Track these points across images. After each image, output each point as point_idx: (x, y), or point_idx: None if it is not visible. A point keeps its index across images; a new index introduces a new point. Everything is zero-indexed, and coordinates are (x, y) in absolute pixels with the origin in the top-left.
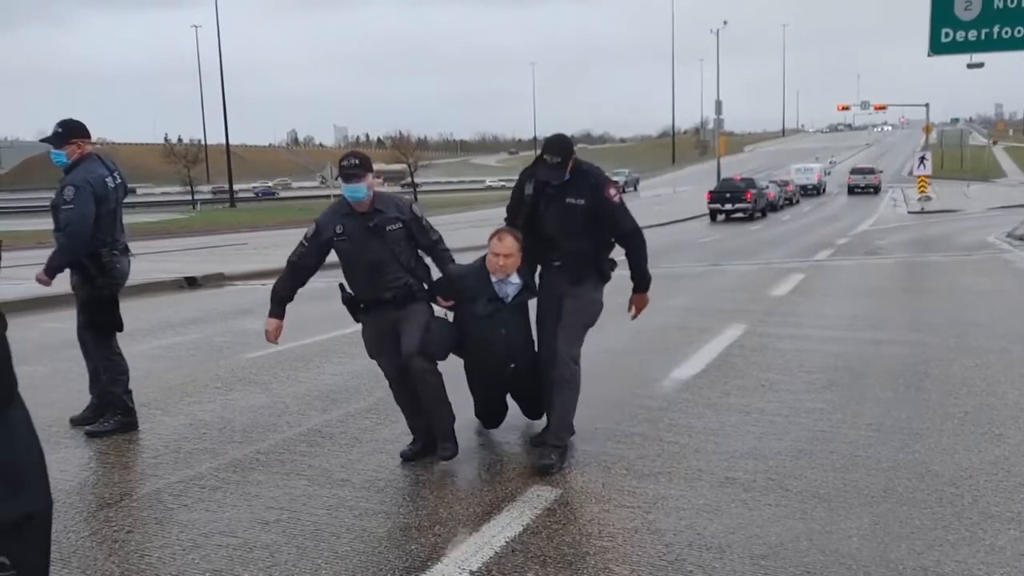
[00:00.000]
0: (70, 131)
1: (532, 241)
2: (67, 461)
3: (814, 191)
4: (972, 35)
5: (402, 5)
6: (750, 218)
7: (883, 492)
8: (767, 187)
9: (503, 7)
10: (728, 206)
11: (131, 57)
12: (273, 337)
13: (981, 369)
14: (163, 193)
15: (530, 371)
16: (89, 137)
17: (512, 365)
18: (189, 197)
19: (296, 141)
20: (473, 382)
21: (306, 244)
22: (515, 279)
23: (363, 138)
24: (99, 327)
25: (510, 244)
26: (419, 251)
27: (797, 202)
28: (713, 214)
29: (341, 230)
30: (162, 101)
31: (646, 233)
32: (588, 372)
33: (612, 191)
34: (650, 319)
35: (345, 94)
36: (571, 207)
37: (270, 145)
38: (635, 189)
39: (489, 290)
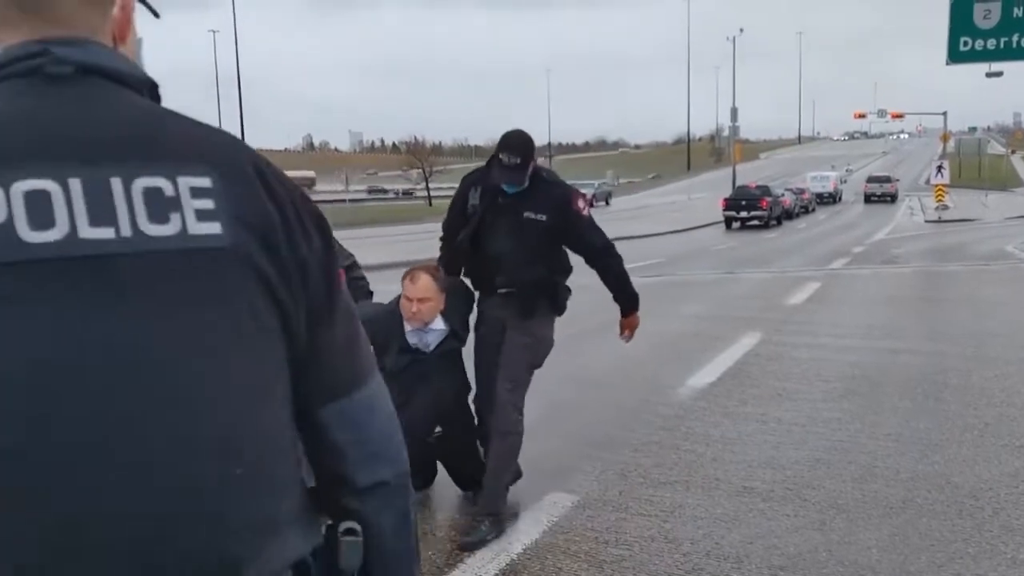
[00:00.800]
0: None
1: (475, 263)
2: None
3: (830, 199)
4: (991, 44)
5: (418, 12)
6: (765, 226)
7: (902, 503)
8: (783, 195)
9: (519, 15)
10: (743, 214)
11: (146, 60)
12: None
13: (1000, 380)
14: None
15: (463, 435)
16: None
17: (438, 430)
18: None
19: (311, 146)
20: None
21: None
22: (439, 324)
23: (378, 143)
24: None
25: (425, 286)
26: None
27: (813, 210)
28: (728, 221)
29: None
30: (177, 105)
31: (662, 241)
32: (603, 379)
33: (581, 204)
34: (665, 326)
35: (360, 100)
36: (530, 223)
37: (285, 150)
38: (607, 203)
39: (400, 340)
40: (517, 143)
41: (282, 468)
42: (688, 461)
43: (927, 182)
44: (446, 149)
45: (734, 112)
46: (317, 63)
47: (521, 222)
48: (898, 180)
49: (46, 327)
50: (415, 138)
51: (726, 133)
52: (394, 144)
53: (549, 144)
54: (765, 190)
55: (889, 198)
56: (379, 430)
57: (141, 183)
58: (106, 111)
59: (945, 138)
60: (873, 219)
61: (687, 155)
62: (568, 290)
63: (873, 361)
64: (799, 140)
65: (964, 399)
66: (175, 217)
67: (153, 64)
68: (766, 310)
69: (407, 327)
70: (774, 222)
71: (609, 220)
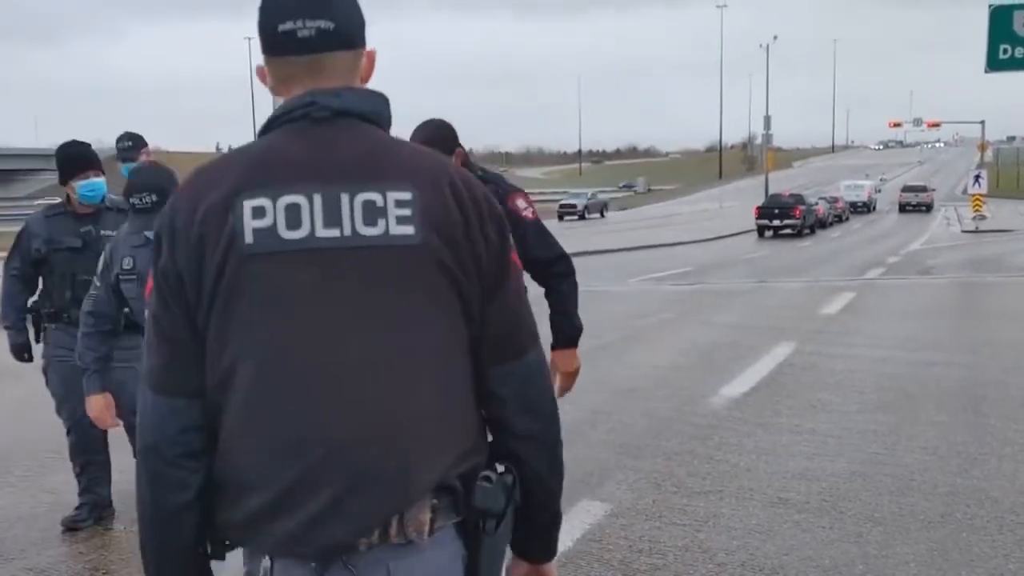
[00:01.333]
0: (137, 143)
1: None
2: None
3: (864, 208)
4: None
5: (448, 18)
6: (798, 234)
7: (941, 517)
8: (816, 203)
9: (549, 20)
10: (776, 222)
11: (182, 68)
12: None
13: None
14: None
15: None
16: (147, 145)
17: None
18: None
19: None
20: None
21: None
22: None
23: None
24: None
25: None
26: None
27: (847, 219)
28: (761, 230)
29: (130, 265)
30: (214, 111)
31: (692, 249)
32: (636, 388)
33: (521, 203)
34: (698, 335)
35: (392, 105)
36: None
37: None
38: (602, 215)
39: None
40: (437, 133)
41: (451, 411)
42: (722, 471)
43: (964, 192)
44: (477, 155)
45: (767, 120)
46: None
47: None
48: (934, 190)
49: (294, 297)
50: None
51: (759, 141)
52: None
53: (579, 152)
54: (798, 198)
55: (924, 208)
56: (536, 390)
57: (361, 197)
58: (347, 143)
59: (983, 147)
60: (908, 229)
61: (719, 163)
62: None
63: (909, 373)
64: (833, 149)
65: (1003, 412)
66: (381, 222)
67: (187, 72)
68: (800, 320)
69: None
70: (807, 231)
71: (636, 228)
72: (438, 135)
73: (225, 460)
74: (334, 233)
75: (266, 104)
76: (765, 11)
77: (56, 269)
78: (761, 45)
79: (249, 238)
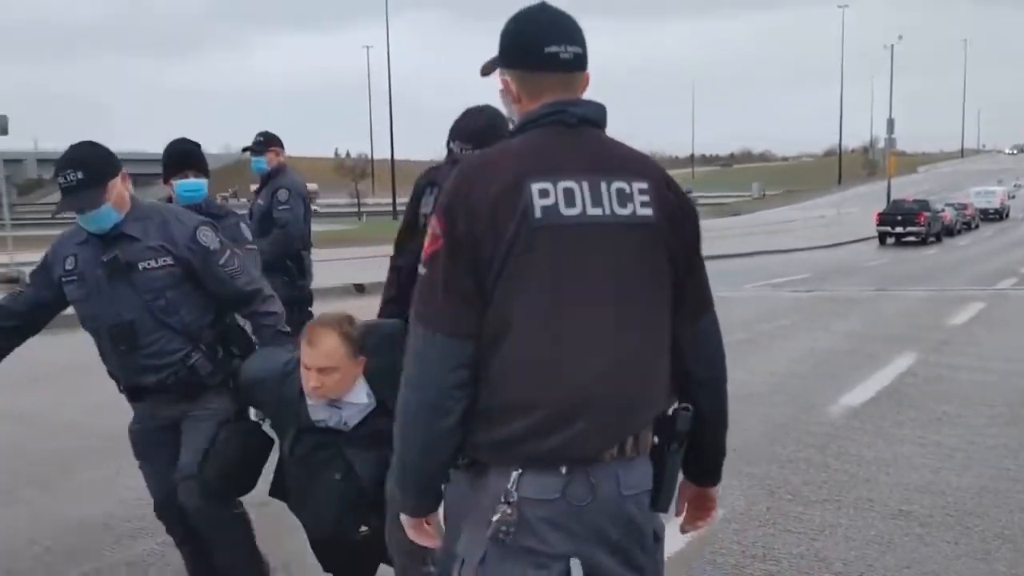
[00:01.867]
0: (269, 140)
1: None
2: None
3: (996, 216)
4: None
5: None
6: (923, 242)
7: None
8: (943, 210)
9: (661, 23)
10: (899, 229)
11: (304, 75)
12: None
13: None
14: (329, 205)
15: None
16: (283, 148)
17: (362, 528)
18: (355, 209)
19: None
20: (311, 539)
21: (27, 282)
22: (358, 396)
23: None
24: (294, 326)
25: (329, 350)
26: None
27: (976, 227)
28: (882, 237)
29: (72, 265)
30: (332, 117)
31: (809, 255)
32: (752, 393)
33: None
34: (816, 342)
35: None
36: None
37: (431, 160)
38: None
39: (298, 418)
40: (482, 122)
41: (665, 357)
42: (839, 481)
43: None
44: None
45: (890, 123)
46: (461, 73)
47: None
48: None
49: (570, 260)
50: None
51: (880, 145)
52: None
53: (692, 156)
54: (923, 204)
55: None
56: (714, 344)
57: (615, 185)
58: (595, 143)
59: None
60: None
61: (838, 167)
62: None
63: None
64: (962, 153)
65: None
66: (630, 205)
67: (309, 80)
68: (924, 329)
69: (310, 401)
70: (932, 238)
71: (752, 233)
72: (495, 124)
73: (495, 392)
74: (598, 212)
75: (382, 110)
76: (889, 10)
77: None
78: (885, 45)
79: (538, 213)
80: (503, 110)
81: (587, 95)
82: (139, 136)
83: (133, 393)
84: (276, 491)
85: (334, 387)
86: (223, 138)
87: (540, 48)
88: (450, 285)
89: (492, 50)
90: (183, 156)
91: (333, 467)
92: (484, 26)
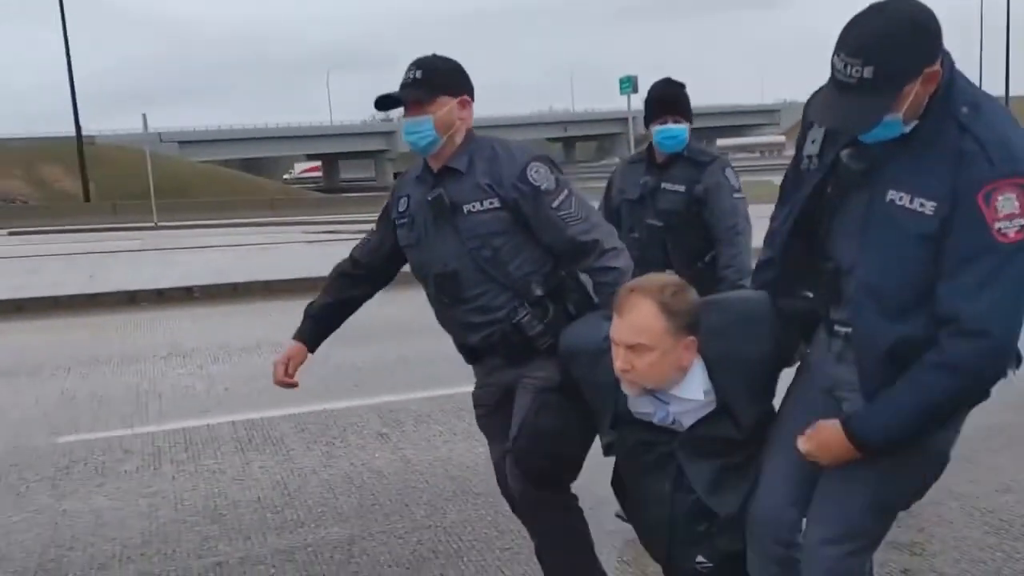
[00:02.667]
0: None
1: (800, 273)
2: None
3: None
4: None
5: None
6: None
7: None
8: None
9: None
10: None
11: None
12: (281, 367)
13: None
14: None
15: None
16: None
17: (699, 560)
18: None
19: None
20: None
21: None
22: (691, 391)
23: None
24: None
25: (642, 321)
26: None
27: None
28: None
29: (405, 205)
30: None
31: None
32: None
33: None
34: None
35: None
36: (902, 216)
37: None
38: None
39: (616, 402)
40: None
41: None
42: None
43: None
44: None
45: None
46: None
47: (886, 211)
48: None
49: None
50: None
51: None
52: None
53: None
54: None
55: None
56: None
57: None
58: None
59: None
60: None
61: None
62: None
63: None
64: None
65: None
66: None
67: None
68: None
69: (625, 389)
70: None
71: None
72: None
73: None
74: None
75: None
76: None
77: (623, 222)
78: None
79: None
80: None
81: None
82: None
83: (465, 353)
84: (616, 485)
85: (647, 372)
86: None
87: None
88: None
89: None
90: (662, 102)
91: (662, 474)
92: None
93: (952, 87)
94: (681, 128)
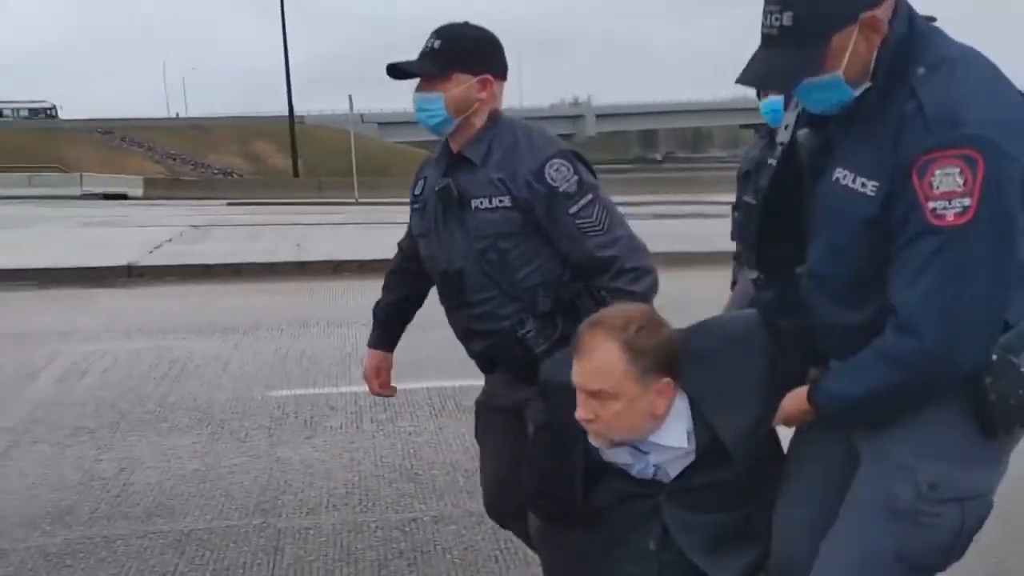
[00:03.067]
0: None
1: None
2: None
3: None
4: None
5: None
6: None
7: None
8: None
9: None
10: None
11: None
12: (374, 380)
13: None
14: None
15: None
16: None
17: None
18: None
19: None
20: None
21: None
22: (672, 435)
23: None
24: None
25: (603, 364)
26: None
27: None
28: None
29: (420, 189)
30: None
31: None
32: None
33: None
34: None
35: None
36: (847, 197)
37: None
38: None
39: (589, 451)
40: None
41: None
42: None
43: None
44: None
45: None
46: None
47: (832, 192)
48: None
49: None
50: None
51: None
52: None
53: None
54: None
55: None
56: None
57: None
58: None
59: None
60: None
61: None
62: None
63: None
64: None
65: None
66: None
67: None
68: None
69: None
70: None
71: None
72: None
73: None
74: None
75: None
76: None
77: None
78: None
79: None
80: None
81: None
82: None
83: (477, 360)
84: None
85: (613, 422)
86: None
87: None
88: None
89: None
90: None
91: (647, 531)
92: None
93: (910, 41)
94: (780, 100)
